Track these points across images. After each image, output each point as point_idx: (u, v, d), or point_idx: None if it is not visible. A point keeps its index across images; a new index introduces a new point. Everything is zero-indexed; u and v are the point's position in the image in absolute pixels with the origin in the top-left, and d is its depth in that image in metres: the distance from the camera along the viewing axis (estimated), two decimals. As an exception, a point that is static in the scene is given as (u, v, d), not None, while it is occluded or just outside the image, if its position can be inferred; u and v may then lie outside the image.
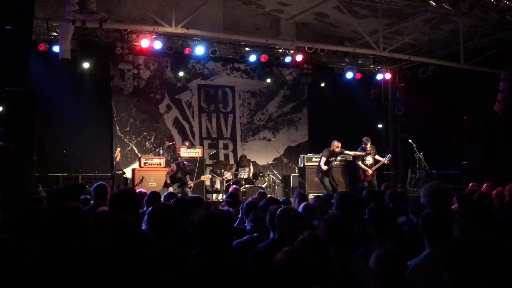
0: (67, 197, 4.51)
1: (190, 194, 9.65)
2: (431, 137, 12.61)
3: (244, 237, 4.03)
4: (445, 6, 9.76)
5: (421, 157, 11.37)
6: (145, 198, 5.45)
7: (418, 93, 13.78)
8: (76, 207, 2.96)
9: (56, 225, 2.74)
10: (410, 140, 11.46)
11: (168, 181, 9.83)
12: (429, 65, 12.88)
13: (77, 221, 2.79)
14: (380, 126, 15.17)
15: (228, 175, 11.87)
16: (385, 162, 11.12)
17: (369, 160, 10.92)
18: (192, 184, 9.90)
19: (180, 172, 9.84)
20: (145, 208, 5.12)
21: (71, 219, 2.78)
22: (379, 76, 14.75)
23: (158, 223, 3.08)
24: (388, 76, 14.69)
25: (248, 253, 3.41)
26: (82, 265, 1.79)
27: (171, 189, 9.59)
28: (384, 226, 3.71)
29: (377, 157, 10.96)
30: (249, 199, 5.40)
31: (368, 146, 10.87)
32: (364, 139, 10.99)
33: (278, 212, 3.53)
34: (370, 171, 10.79)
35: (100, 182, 5.82)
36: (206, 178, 10.69)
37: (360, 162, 10.90)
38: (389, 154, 11.32)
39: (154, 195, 5.50)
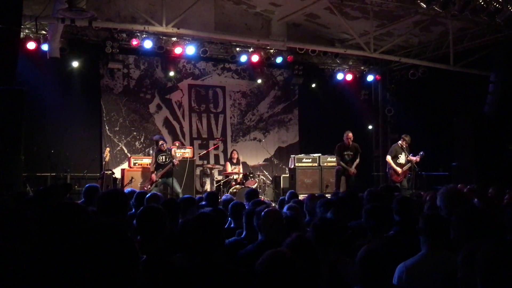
0: (53, 196, 4.42)
1: (178, 189, 9.66)
2: (421, 139, 12.65)
3: (232, 238, 4.02)
4: (436, 8, 9.80)
5: (411, 159, 11.37)
6: (132, 200, 5.35)
7: (408, 95, 13.86)
8: (76, 204, 2.90)
9: (56, 222, 2.67)
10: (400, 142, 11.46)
11: (152, 169, 9.84)
12: (419, 66, 12.96)
13: (78, 219, 2.71)
14: (370, 127, 15.24)
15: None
16: (417, 160, 10.45)
17: (402, 159, 10.46)
18: (177, 162, 9.87)
19: (161, 155, 9.77)
20: (133, 210, 5.05)
21: (72, 216, 2.70)
22: (370, 78, 14.80)
23: (146, 225, 3.04)
24: (378, 77, 14.74)
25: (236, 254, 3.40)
26: (72, 266, 1.76)
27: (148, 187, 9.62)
28: (380, 228, 3.70)
29: (409, 157, 10.50)
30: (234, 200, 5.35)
31: (404, 144, 10.46)
32: (403, 136, 10.61)
33: (262, 214, 3.54)
34: (400, 170, 10.35)
35: (91, 184, 5.76)
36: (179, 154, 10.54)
37: (390, 160, 10.43)
38: (422, 152, 10.53)
39: (140, 196, 5.43)
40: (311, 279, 2.66)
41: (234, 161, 11.80)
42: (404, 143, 10.53)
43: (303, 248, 2.73)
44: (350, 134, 10.59)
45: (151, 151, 12.16)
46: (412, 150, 11.31)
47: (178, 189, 9.69)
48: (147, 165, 10.70)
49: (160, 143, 9.93)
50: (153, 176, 9.74)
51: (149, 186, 9.68)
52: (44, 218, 2.53)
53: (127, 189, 7.57)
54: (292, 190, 7.15)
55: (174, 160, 9.87)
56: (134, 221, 3.18)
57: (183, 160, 10.71)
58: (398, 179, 10.39)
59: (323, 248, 3.18)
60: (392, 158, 10.49)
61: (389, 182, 10.52)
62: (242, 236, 3.98)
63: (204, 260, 2.64)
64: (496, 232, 2.98)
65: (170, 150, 10.09)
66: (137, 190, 7.02)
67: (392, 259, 2.67)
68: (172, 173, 9.84)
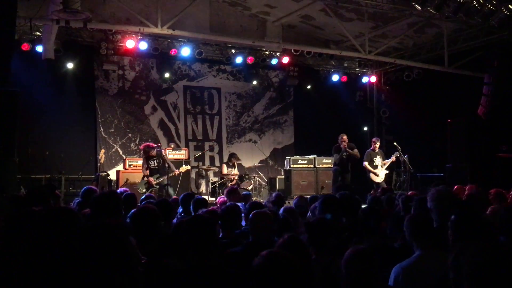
0: (36, 200, 4.38)
1: (173, 194, 9.58)
2: (415, 140, 12.71)
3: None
4: (430, 10, 9.85)
5: (405, 160, 11.44)
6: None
7: (403, 96, 13.91)
8: (69, 209, 2.91)
9: (49, 226, 2.67)
10: (395, 143, 11.53)
11: (146, 173, 9.65)
12: (414, 68, 13.02)
13: (70, 224, 2.72)
14: (365, 128, 15.27)
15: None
16: (393, 160, 10.88)
17: (378, 161, 10.74)
18: (177, 172, 9.75)
19: (152, 160, 9.63)
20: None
21: (64, 221, 2.71)
22: (365, 79, 14.84)
23: (140, 227, 3.03)
24: (373, 79, 14.79)
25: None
26: (69, 267, 1.75)
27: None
28: (375, 229, 3.71)
29: (385, 161, 10.83)
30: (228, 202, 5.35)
31: (377, 147, 10.82)
32: (374, 139, 10.99)
33: (251, 215, 3.56)
34: (378, 173, 10.64)
35: (89, 186, 5.75)
36: (184, 169, 10.17)
37: (367, 165, 10.68)
38: (397, 152, 10.98)
39: (130, 197, 5.41)
40: (304, 280, 2.65)
41: (231, 164, 11.73)
42: (375, 146, 10.84)
43: (295, 248, 2.73)
44: (345, 137, 10.71)
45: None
46: (405, 151, 11.41)
47: (172, 194, 9.60)
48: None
49: (146, 151, 9.73)
50: (151, 179, 9.60)
51: (143, 190, 9.55)
52: (37, 223, 2.53)
53: (120, 189, 7.54)
54: (279, 193, 7.04)
55: (175, 170, 9.73)
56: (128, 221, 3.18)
57: (179, 163, 10.69)
58: (378, 182, 10.66)
59: (317, 249, 3.18)
60: (369, 163, 10.73)
61: (373, 184, 10.70)
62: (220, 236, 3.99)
63: (199, 261, 2.64)
64: (487, 233, 2.99)
65: (160, 151, 9.86)
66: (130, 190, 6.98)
67: (379, 262, 2.66)
68: (167, 180, 9.70)
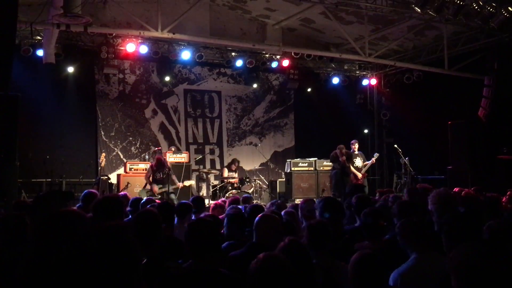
0: (54, 203, 4.38)
1: (175, 200, 9.59)
2: (416, 142, 12.72)
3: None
4: (430, 12, 9.85)
5: (406, 162, 11.45)
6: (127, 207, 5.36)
7: (403, 99, 13.92)
8: (77, 212, 2.90)
9: (56, 229, 2.66)
10: (395, 146, 11.54)
11: (149, 182, 9.67)
12: (414, 70, 13.02)
13: (79, 226, 2.71)
14: (365, 131, 15.27)
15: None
16: (373, 162, 11.16)
17: (358, 162, 10.94)
18: (180, 185, 9.77)
19: (160, 172, 9.66)
20: (130, 217, 5.04)
21: (72, 223, 2.69)
22: (365, 82, 14.86)
23: (142, 230, 3.03)
24: (373, 81, 14.81)
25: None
26: (73, 271, 1.76)
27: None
28: (378, 232, 3.70)
29: (365, 163, 11.07)
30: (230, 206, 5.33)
31: (356, 149, 11.03)
32: (353, 141, 11.13)
33: (257, 218, 3.55)
34: (360, 175, 10.75)
35: (89, 190, 5.75)
36: (188, 183, 10.27)
37: (350, 165, 10.77)
38: (376, 154, 11.44)
39: (136, 202, 5.43)
40: (304, 284, 2.65)
41: (233, 168, 11.68)
42: (354, 148, 11.07)
43: (297, 252, 2.72)
44: (344, 151, 10.79)
45: (146, 156, 12.13)
46: (405, 153, 11.42)
47: (174, 200, 9.60)
48: (143, 170, 10.65)
49: (157, 160, 9.68)
50: (156, 188, 9.57)
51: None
52: (43, 226, 2.52)
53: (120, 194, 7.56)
54: (276, 200, 7.06)
55: (178, 184, 9.70)
56: None
57: (180, 166, 10.71)
58: (359, 182, 10.65)
59: (317, 251, 3.18)
60: (351, 165, 10.83)
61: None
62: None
63: (201, 265, 2.64)
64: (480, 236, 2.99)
65: (168, 166, 9.86)
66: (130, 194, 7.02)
67: (386, 265, 2.66)
68: (169, 185, 9.71)
